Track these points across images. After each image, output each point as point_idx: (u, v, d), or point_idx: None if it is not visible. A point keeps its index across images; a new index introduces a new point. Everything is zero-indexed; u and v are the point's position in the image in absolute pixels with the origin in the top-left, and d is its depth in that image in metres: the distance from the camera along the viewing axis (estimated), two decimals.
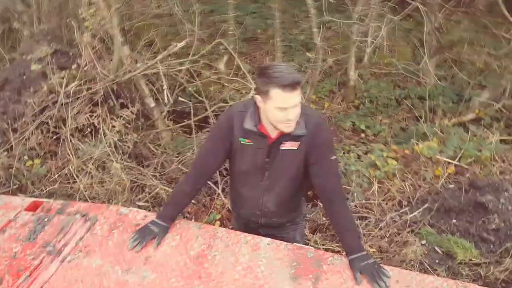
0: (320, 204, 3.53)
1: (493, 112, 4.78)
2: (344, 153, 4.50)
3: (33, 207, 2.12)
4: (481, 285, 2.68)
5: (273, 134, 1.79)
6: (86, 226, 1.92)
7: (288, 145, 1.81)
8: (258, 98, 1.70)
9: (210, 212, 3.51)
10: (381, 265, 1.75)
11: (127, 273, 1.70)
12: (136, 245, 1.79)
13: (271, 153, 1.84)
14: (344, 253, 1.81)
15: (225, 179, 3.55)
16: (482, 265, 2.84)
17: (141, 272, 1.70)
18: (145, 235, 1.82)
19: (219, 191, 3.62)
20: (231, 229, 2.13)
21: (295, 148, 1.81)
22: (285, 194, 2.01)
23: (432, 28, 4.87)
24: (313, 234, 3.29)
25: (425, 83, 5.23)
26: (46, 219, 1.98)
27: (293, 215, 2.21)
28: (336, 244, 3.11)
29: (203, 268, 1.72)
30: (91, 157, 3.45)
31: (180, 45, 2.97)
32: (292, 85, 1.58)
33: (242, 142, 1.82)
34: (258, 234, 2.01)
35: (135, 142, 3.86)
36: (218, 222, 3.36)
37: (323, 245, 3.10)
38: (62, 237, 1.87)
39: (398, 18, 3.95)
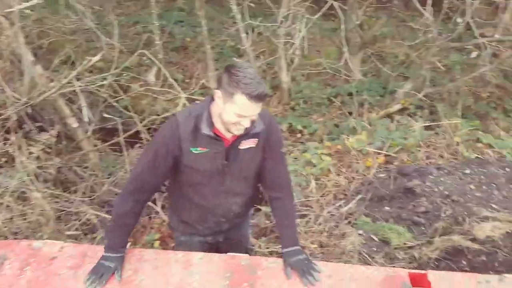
0: (263, 208, 3.52)
1: (417, 101, 5.07)
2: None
3: None
4: (416, 267, 2.84)
5: (228, 135, 1.71)
6: None
7: (247, 144, 1.76)
8: (218, 93, 1.60)
9: (149, 232, 3.35)
10: (313, 261, 1.79)
11: None
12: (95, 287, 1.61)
13: (229, 155, 1.76)
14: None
15: (165, 194, 3.40)
16: (415, 247, 2.96)
17: None
18: (101, 274, 1.64)
19: (158, 208, 3.47)
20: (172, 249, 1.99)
21: (254, 145, 1.77)
22: (249, 192, 1.97)
23: (354, 25, 5.09)
24: (258, 239, 3.26)
25: (352, 79, 5.45)
26: None
27: (251, 208, 2.18)
28: (280, 246, 3.11)
29: None
30: (8, 189, 3.13)
31: (94, 59, 2.79)
32: (259, 97, 1.53)
33: (195, 152, 1.70)
34: (216, 247, 2.02)
35: (59, 167, 3.57)
36: (157, 242, 3.21)
37: (267, 248, 3.09)
38: None
39: (316, 18, 4.07)
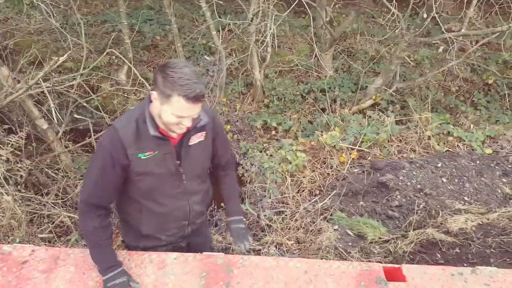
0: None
1: (388, 96, 5.15)
2: (259, 151, 4.58)
3: None
4: (391, 260, 2.90)
5: (174, 134, 1.65)
6: None
7: (196, 138, 1.74)
8: (154, 94, 1.54)
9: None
10: (249, 232, 1.99)
11: None
12: None
13: (180, 154, 1.71)
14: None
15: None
16: (390, 241, 3.01)
17: None
18: None
19: None
20: None
21: (203, 138, 1.76)
22: (205, 187, 1.94)
23: (323, 22, 5.12)
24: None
25: (324, 76, 5.51)
26: None
27: (208, 205, 2.15)
28: (257, 243, 3.13)
29: None
30: None
31: (61, 59, 2.71)
32: (196, 98, 1.48)
33: (143, 158, 1.62)
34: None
35: (30, 170, 3.46)
36: None
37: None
38: None
39: (287, 16, 4.09)
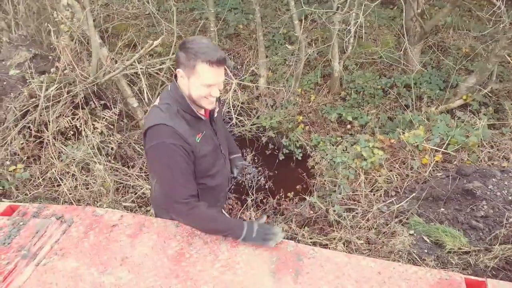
0: (308, 198, 3.52)
1: (481, 97, 4.71)
2: (332, 145, 4.49)
3: (9, 212, 2.07)
4: (470, 274, 2.67)
5: (201, 111, 1.77)
6: (62, 229, 1.88)
7: (216, 110, 1.89)
8: (180, 72, 1.63)
9: None
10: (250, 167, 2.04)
11: (103, 274, 1.66)
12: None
13: (214, 128, 1.87)
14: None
15: None
16: (471, 253, 2.79)
17: (117, 273, 1.66)
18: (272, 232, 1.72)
19: None
20: None
21: (217, 108, 1.91)
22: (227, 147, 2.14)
23: (414, 14, 4.81)
24: (301, 228, 3.26)
25: (411, 70, 5.17)
26: (21, 223, 1.93)
27: None
28: (324, 237, 3.09)
29: (181, 266, 1.68)
30: (74, 160, 3.39)
31: (156, 42, 2.90)
32: (219, 62, 1.56)
33: (198, 141, 1.74)
34: None
35: (119, 143, 3.80)
36: None
37: (310, 238, 3.08)
38: (37, 240, 1.82)
39: (376, 5, 3.89)
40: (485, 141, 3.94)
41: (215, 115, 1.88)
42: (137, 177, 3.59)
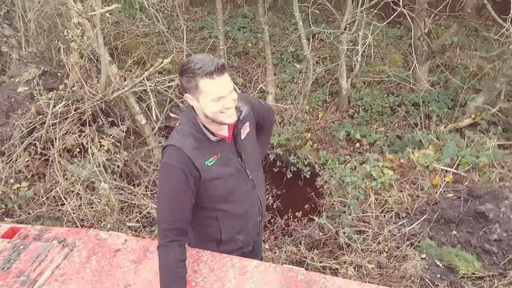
0: (317, 219, 3.46)
1: (490, 116, 4.65)
2: (340, 163, 4.43)
3: (10, 234, 2.03)
4: None
5: (225, 132, 1.70)
6: (64, 253, 1.83)
7: (245, 131, 1.78)
8: (188, 97, 1.57)
9: None
10: None
11: None
12: None
13: (238, 150, 1.75)
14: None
15: None
16: (485, 279, 2.69)
17: None
18: None
19: None
20: None
21: (249, 129, 1.80)
22: (263, 175, 2.00)
23: (422, 33, 4.82)
24: (310, 251, 3.18)
25: (419, 89, 5.15)
26: (22, 247, 1.89)
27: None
28: (334, 261, 3.00)
29: None
30: (79, 178, 3.36)
31: (166, 61, 2.90)
32: (218, 70, 1.49)
33: (210, 164, 1.64)
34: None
35: (125, 161, 3.77)
36: None
37: (320, 262, 2.99)
38: (38, 265, 1.77)
39: (384, 25, 3.89)
40: (495, 161, 3.86)
41: (243, 136, 1.76)
42: (142, 195, 3.55)
